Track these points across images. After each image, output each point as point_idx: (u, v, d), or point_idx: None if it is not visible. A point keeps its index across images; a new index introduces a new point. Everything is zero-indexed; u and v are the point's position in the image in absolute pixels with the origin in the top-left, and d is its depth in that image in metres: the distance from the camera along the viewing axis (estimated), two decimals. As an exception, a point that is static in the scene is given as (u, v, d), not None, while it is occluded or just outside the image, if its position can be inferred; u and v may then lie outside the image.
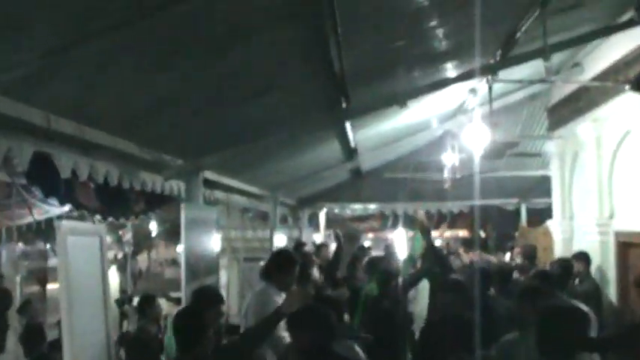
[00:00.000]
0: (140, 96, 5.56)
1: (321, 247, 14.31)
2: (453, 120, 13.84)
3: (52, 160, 5.54)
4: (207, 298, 5.90)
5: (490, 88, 9.06)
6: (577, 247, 11.62)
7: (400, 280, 9.28)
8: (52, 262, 20.31)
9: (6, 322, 12.67)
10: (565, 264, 9.71)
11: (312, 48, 5.95)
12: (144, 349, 8.14)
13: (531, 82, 10.65)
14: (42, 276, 23.54)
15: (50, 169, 5.86)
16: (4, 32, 3.64)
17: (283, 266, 6.83)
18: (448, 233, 26.29)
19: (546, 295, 6.41)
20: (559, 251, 12.56)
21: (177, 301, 16.02)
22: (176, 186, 8.37)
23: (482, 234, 20.54)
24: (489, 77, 9.05)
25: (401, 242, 24.89)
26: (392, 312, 8.37)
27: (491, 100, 9.21)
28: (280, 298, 6.35)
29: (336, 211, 20.38)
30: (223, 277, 12.20)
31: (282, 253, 7.56)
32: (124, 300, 18.85)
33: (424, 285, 10.65)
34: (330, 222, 20.71)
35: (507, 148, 10.14)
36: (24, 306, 11.52)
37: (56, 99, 4.75)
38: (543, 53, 7.45)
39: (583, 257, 10.13)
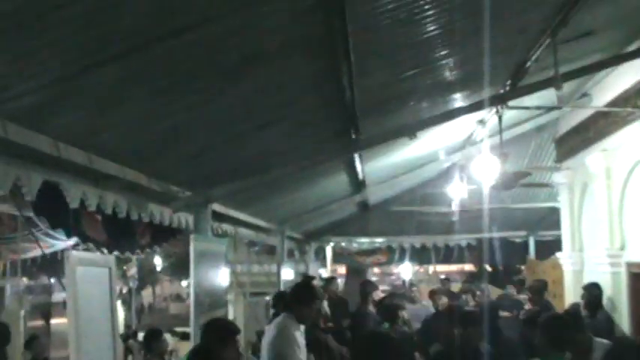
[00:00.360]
0: (150, 126, 5.51)
1: (330, 281, 14.16)
2: (460, 152, 13.76)
3: (60, 191, 5.47)
4: (221, 331, 5.75)
5: (500, 118, 8.99)
6: (588, 278, 11.46)
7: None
8: (57, 297, 20.19)
9: (5, 358, 12.53)
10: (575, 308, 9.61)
11: (323, 77, 5.92)
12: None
13: (544, 109, 10.56)
14: (46, 311, 23.40)
15: (58, 200, 5.80)
16: (14, 60, 3.60)
17: (305, 299, 6.70)
18: (454, 268, 26.16)
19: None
20: (569, 283, 12.42)
21: (183, 335, 15.92)
22: (184, 218, 8.28)
23: (489, 268, 20.31)
24: (499, 107, 9.00)
25: (407, 276, 24.84)
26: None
27: (501, 131, 9.13)
28: (299, 331, 6.24)
29: (343, 244, 20.21)
30: (230, 311, 12.07)
31: (304, 285, 7.43)
32: (128, 335, 18.70)
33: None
34: (337, 256, 20.56)
35: (518, 178, 10.01)
36: (30, 341, 11.37)
37: (66, 127, 4.69)
38: (555, 82, 7.38)
39: (595, 288, 9.99)
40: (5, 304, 19.35)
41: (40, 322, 22.47)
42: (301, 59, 5.51)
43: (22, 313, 17.83)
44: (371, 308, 10.88)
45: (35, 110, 4.23)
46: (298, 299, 6.71)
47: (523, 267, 18.85)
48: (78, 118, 4.73)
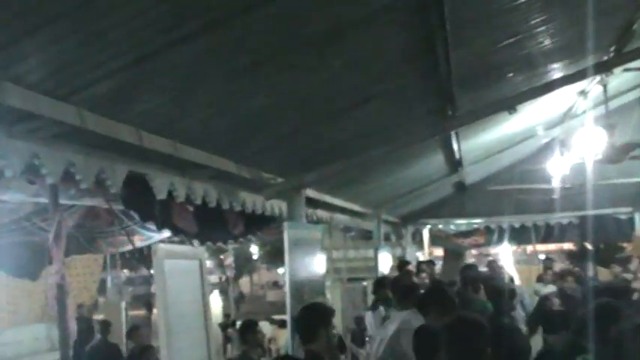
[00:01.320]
0: (234, 108, 5.24)
1: (429, 264, 13.70)
2: (560, 126, 13.18)
3: (147, 182, 5.28)
4: (318, 313, 5.46)
5: (605, 87, 8.46)
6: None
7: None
8: (156, 288, 20.46)
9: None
10: None
11: (417, 49, 5.54)
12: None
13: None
14: (147, 301, 23.88)
15: (145, 192, 5.62)
16: (82, 44, 3.37)
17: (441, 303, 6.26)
18: (552, 247, 25.32)
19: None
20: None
21: (281, 323, 15.84)
22: (277, 206, 8.05)
23: (590, 247, 19.51)
24: (603, 76, 8.45)
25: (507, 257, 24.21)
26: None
27: (606, 100, 8.61)
28: None
29: (440, 227, 19.75)
30: (327, 298, 11.88)
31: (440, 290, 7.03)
32: (227, 324, 18.79)
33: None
34: (434, 239, 20.13)
35: (627, 150, 9.42)
36: (132, 331, 11.48)
37: (146, 114, 4.45)
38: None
39: None
40: (107, 295, 19.81)
41: (141, 312, 23.00)
42: (392, 30, 5.13)
43: (123, 304, 18.18)
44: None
45: (112, 97, 4.01)
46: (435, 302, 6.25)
47: (626, 244, 17.97)
48: (158, 104, 4.49)
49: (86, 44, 3.36)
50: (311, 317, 5.19)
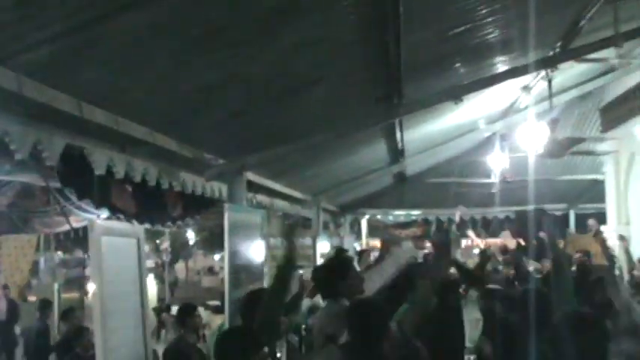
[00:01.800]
0: (179, 84, 5.08)
1: (362, 253, 13.70)
2: (502, 121, 13.30)
3: (86, 158, 5.10)
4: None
5: (550, 82, 8.54)
6: (635, 253, 11.05)
7: None
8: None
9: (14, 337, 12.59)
10: None
11: (368, 31, 5.47)
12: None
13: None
14: (81, 284, 23.50)
15: (83, 169, 5.44)
16: (22, 4, 3.18)
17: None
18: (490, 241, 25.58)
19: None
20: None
21: (216, 309, 15.71)
22: (217, 188, 7.91)
23: (522, 242, 19.80)
24: (548, 71, 8.53)
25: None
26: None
27: (551, 95, 8.70)
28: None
29: (379, 217, 19.79)
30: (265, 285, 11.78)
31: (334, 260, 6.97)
32: (161, 308, 18.57)
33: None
34: (372, 229, 20.16)
35: (570, 145, 9.56)
36: (66, 313, 11.23)
37: (87, 84, 4.28)
38: (616, 39, 6.87)
39: None
40: (39, 277, 19.42)
41: (75, 295, 22.59)
42: (345, 12, 5.06)
43: (56, 286, 17.83)
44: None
45: (53, 64, 3.82)
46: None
47: (561, 241, 18.26)
48: (100, 75, 4.31)
49: (26, 4, 3.18)
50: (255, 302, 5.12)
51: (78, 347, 8.60)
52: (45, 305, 12.48)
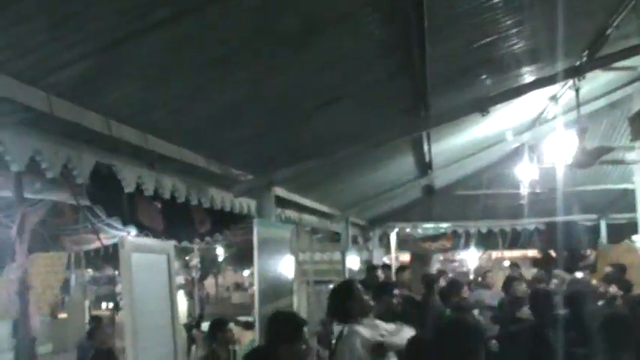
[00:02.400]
0: (206, 101, 5.13)
1: (401, 271, 13.55)
2: (529, 132, 13.21)
3: (115, 176, 5.14)
4: (288, 325, 5.29)
5: (577, 91, 8.47)
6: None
7: None
8: (121, 287, 20.36)
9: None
10: None
11: (393, 44, 5.47)
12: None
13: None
14: (112, 301, 23.64)
15: (112, 187, 5.49)
16: (52, 27, 3.25)
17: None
18: (517, 254, 25.41)
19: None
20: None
21: (246, 325, 15.69)
22: (246, 204, 7.94)
23: (553, 254, 19.60)
24: (575, 80, 8.46)
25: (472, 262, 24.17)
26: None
27: (578, 104, 8.62)
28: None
29: (408, 230, 19.70)
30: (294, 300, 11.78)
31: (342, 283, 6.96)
32: (192, 325, 18.61)
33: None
34: (401, 242, 20.08)
35: (599, 154, 9.44)
36: (92, 330, 11.26)
37: (116, 103, 4.33)
38: (644, 48, 6.83)
39: None
40: (70, 294, 19.56)
41: (106, 312, 22.75)
42: (369, 27, 5.06)
43: (87, 303, 17.93)
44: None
45: (81, 84, 3.88)
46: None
47: (589, 252, 18.06)
48: (127, 93, 4.36)
49: (56, 25, 3.24)
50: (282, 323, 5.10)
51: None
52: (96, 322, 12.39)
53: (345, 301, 5.89)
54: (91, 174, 4.72)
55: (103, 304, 25.64)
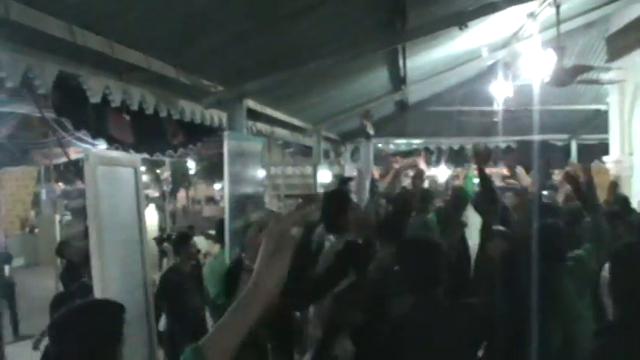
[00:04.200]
0: (174, 9, 4.88)
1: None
2: (505, 49, 13.07)
3: (80, 86, 4.95)
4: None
5: (558, 8, 8.33)
6: (638, 184, 10.95)
7: None
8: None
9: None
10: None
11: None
12: (175, 288, 7.74)
13: None
14: (84, 214, 23.51)
15: (78, 98, 5.31)
16: None
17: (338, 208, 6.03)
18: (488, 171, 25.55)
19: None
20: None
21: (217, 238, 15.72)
22: (217, 116, 7.78)
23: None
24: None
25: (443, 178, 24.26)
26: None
27: (558, 22, 8.48)
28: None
29: (380, 145, 19.63)
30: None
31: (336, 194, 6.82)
32: (163, 238, 18.61)
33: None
34: (374, 157, 20.05)
35: (577, 72, 9.35)
36: (60, 248, 11.12)
37: (78, 7, 4.08)
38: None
39: None
40: (41, 209, 19.44)
41: (78, 226, 22.65)
42: None
43: (58, 217, 17.78)
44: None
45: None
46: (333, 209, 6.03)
47: (556, 171, 18.15)
48: (92, -3, 4.13)
49: None
50: None
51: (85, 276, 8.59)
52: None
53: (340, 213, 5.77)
54: (57, 85, 4.53)
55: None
